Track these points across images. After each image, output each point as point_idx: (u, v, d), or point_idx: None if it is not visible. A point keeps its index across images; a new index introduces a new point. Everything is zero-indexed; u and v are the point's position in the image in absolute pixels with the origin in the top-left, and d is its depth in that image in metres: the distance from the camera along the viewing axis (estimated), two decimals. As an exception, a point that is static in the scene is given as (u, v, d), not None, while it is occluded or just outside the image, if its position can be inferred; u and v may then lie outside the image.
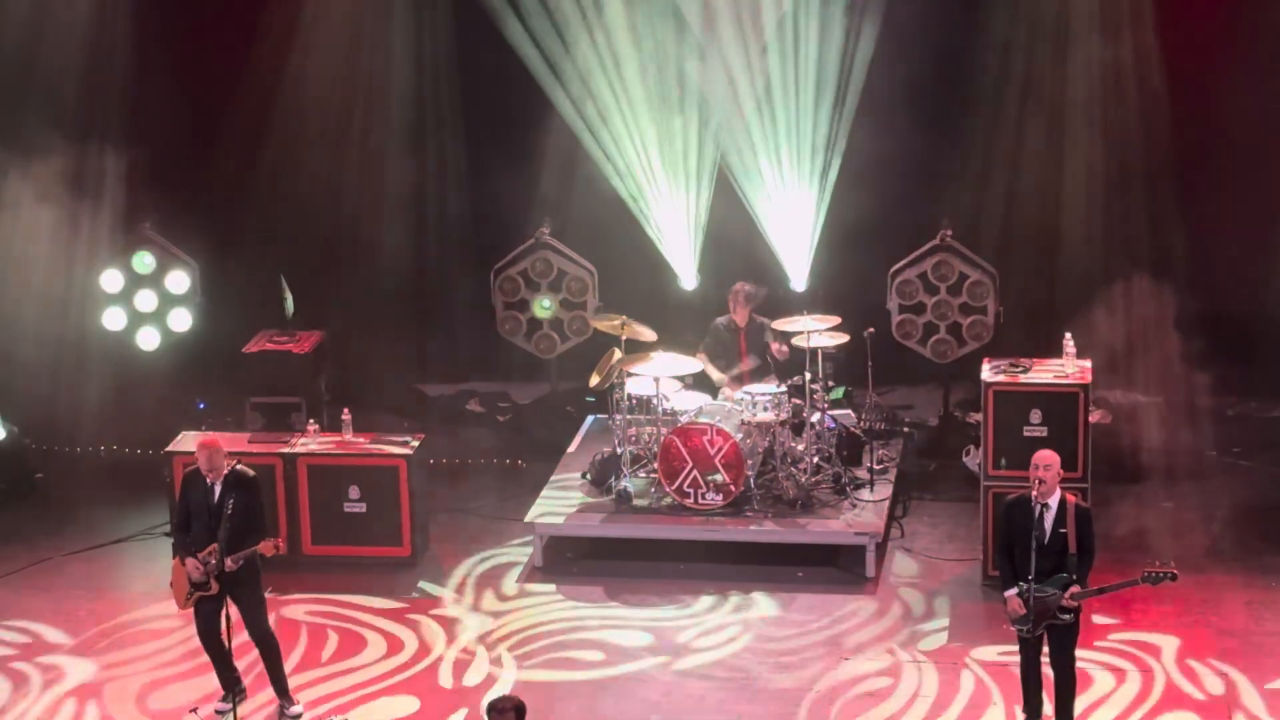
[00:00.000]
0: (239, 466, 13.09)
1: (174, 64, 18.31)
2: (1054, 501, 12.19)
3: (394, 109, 18.69)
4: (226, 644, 13.00)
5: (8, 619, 14.91)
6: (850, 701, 13.38)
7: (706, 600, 14.95)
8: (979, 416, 15.57)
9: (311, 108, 18.53)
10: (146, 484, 16.70)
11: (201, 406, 18.00)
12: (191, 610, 13.11)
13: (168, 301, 18.36)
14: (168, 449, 15.88)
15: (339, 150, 18.61)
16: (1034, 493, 12.17)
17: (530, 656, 14.16)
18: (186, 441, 15.88)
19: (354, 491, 15.59)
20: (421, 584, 15.40)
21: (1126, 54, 17.60)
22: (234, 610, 12.82)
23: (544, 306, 18.28)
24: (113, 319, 18.35)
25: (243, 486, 12.98)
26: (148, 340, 18.39)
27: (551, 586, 15.33)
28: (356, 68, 18.53)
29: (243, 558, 12.76)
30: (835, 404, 16.66)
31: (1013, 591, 12.20)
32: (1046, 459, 12.26)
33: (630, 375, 16.02)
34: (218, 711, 13.21)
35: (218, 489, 12.93)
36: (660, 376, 15.92)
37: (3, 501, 17.19)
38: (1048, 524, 12.16)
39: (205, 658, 13.40)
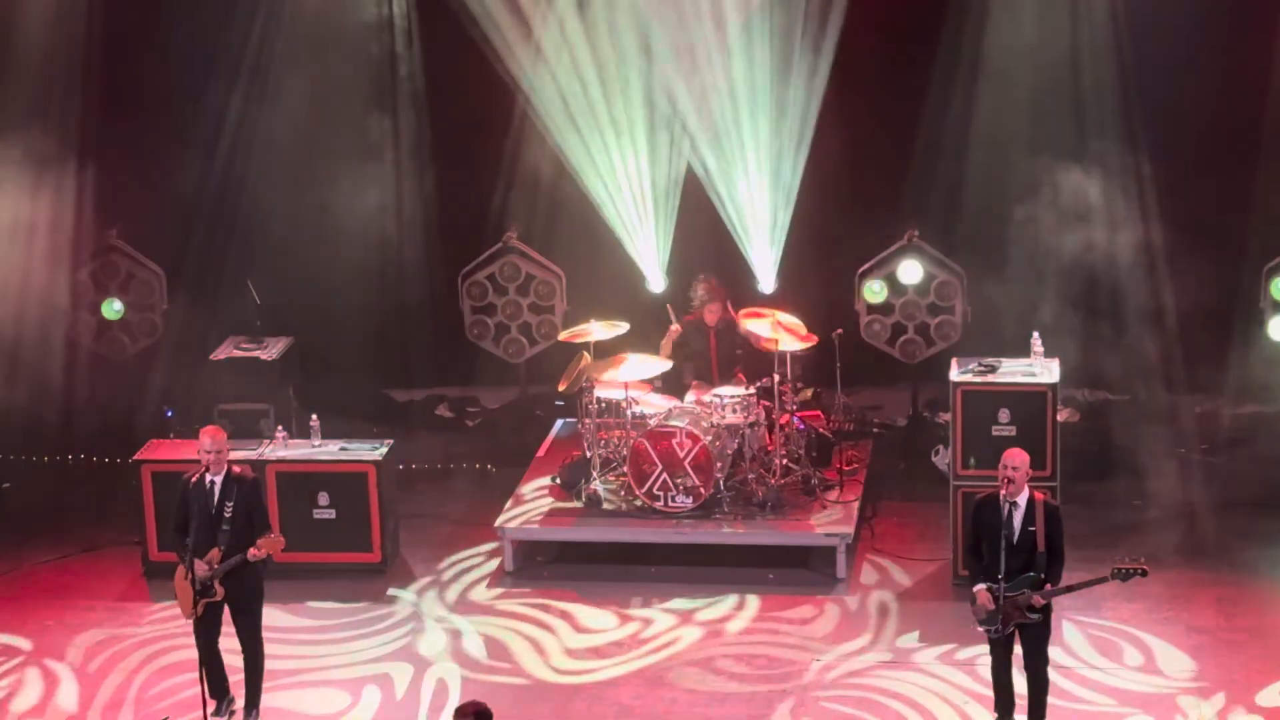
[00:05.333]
0: (236, 468, 13.04)
1: (140, 66, 18.24)
2: (1023, 500, 12.20)
3: (361, 113, 18.65)
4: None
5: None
6: (822, 702, 13.38)
7: (678, 603, 14.94)
8: (948, 416, 15.59)
9: (278, 113, 18.47)
10: (114, 492, 16.64)
11: (169, 414, 17.94)
12: (185, 618, 12.99)
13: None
14: (136, 457, 15.83)
15: (306, 155, 18.56)
16: (1003, 491, 12.18)
17: (500, 660, 14.14)
18: (154, 449, 15.85)
19: (323, 498, 15.56)
20: (391, 590, 15.37)
21: (1099, 39, 17.62)
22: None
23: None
24: (85, 327, 18.36)
25: (242, 487, 12.92)
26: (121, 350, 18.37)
27: (522, 590, 15.31)
28: (324, 70, 18.47)
29: (263, 549, 12.67)
30: (804, 405, 16.66)
31: (981, 586, 12.21)
32: (1015, 458, 12.27)
33: (599, 380, 16.00)
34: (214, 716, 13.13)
35: (217, 491, 12.85)
36: (629, 380, 15.91)
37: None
38: (1016, 522, 12.17)
39: (177, 667, 13.35)
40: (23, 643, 14.63)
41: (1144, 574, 12.23)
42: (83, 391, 18.33)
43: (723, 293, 16.80)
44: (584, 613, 14.88)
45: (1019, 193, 17.72)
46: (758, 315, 16.36)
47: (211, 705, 12.92)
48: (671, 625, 14.63)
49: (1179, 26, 17.36)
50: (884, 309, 17.90)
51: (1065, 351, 15.96)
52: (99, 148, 18.16)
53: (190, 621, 12.89)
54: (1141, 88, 17.61)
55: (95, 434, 18.14)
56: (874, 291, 17.84)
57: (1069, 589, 12.26)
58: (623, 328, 16.29)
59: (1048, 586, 12.11)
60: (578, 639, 14.47)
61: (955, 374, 15.21)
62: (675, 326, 16.65)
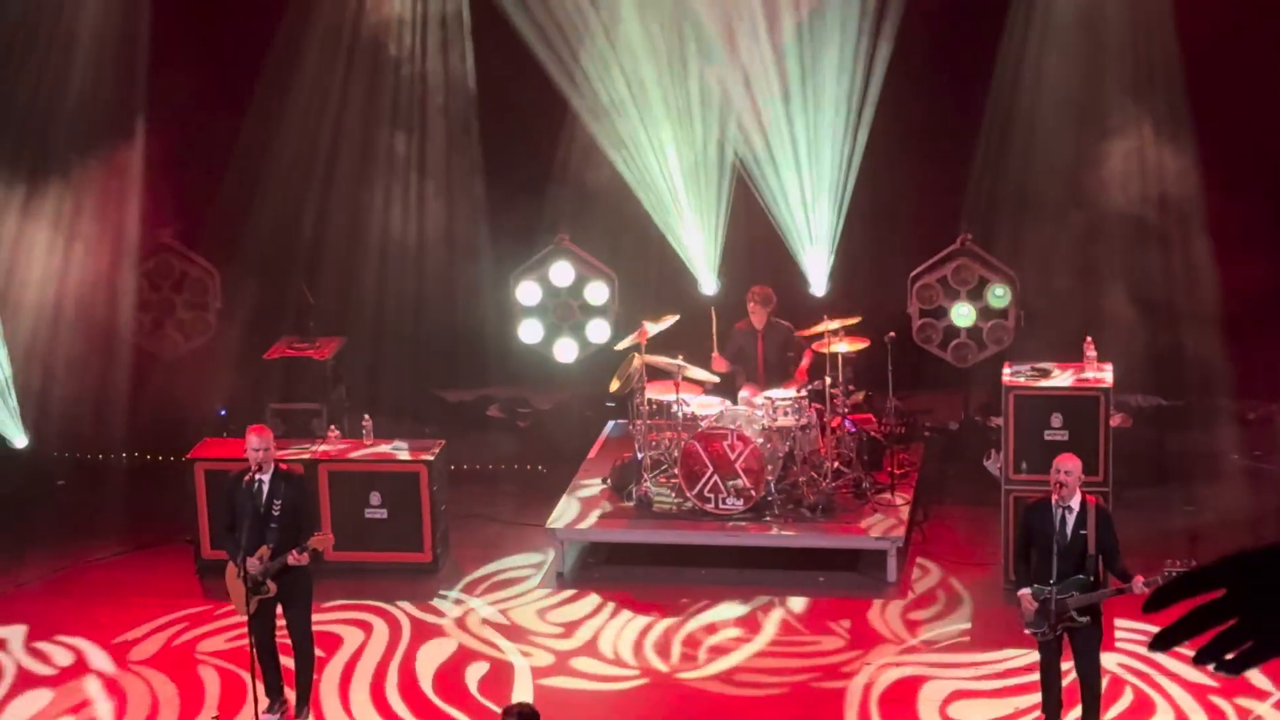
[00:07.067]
0: (284, 466, 13.10)
1: (194, 70, 18.32)
2: (1075, 504, 12.18)
3: (413, 118, 18.70)
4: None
5: (30, 627, 14.93)
6: (871, 706, 13.37)
7: (728, 605, 14.94)
8: (1000, 421, 15.55)
9: (332, 117, 18.54)
10: (168, 491, 16.73)
11: (222, 413, 18.03)
12: (239, 615, 13.05)
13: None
14: (189, 455, 15.91)
15: (360, 157, 18.62)
16: (1054, 496, 12.16)
17: (549, 662, 14.16)
18: (208, 448, 15.93)
19: (375, 498, 15.61)
20: (442, 590, 15.41)
21: (1155, 51, 17.54)
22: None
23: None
24: (139, 327, 18.45)
25: (291, 485, 12.98)
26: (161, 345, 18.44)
27: (572, 592, 15.34)
28: (376, 76, 18.53)
29: (307, 550, 12.73)
30: (856, 408, 16.63)
31: (1026, 590, 12.19)
32: (1068, 463, 12.25)
33: (650, 381, 16.02)
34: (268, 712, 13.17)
35: (265, 490, 12.90)
36: (680, 381, 15.92)
37: (25, 509, 17.23)
38: (1068, 527, 12.15)
39: (228, 664, 13.40)
40: (76, 640, 14.71)
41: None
42: (136, 390, 18.41)
43: (769, 297, 16.77)
44: (633, 614, 14.89)
45: (1074, 197, 17.67)
46: (812, 320, 16.37)
47: (264, 703, 12.97)
48: (721, 627, 14.63)
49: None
50: (936, 313, 17.86)
51: (1118, 356, 15.91)
52: (153, 146, 18.24)
53: (244, 619, 12.94)
54: (1204, 90, 17.51)
55: (148, 432, 18.22)
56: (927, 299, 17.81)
57: (1119, 591, 12.21)
58: (672, 319, 16.25)
59: (1142, 578, 11.96)
60: (627, 640, 14.48)
61: (1007, 378, 15.17)
62: (716, 357, 16.64)
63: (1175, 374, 17.74)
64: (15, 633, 14.81)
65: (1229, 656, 3.56)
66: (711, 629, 14.59)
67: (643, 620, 14.79)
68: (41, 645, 14.61)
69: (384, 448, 15.85)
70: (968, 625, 14.54)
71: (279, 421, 17.06)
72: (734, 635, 14.49)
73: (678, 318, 16.34)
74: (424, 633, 14.64)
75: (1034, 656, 12.79)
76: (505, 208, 18.89)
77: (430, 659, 14.20)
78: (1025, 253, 17.88)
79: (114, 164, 18.12)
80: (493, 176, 18.92)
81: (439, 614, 14.96)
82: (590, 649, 14.36)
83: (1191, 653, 3.63)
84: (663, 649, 14.31)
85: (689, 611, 14.86)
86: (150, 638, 14.70)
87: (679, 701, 13.54)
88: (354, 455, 15.75)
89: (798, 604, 14.96)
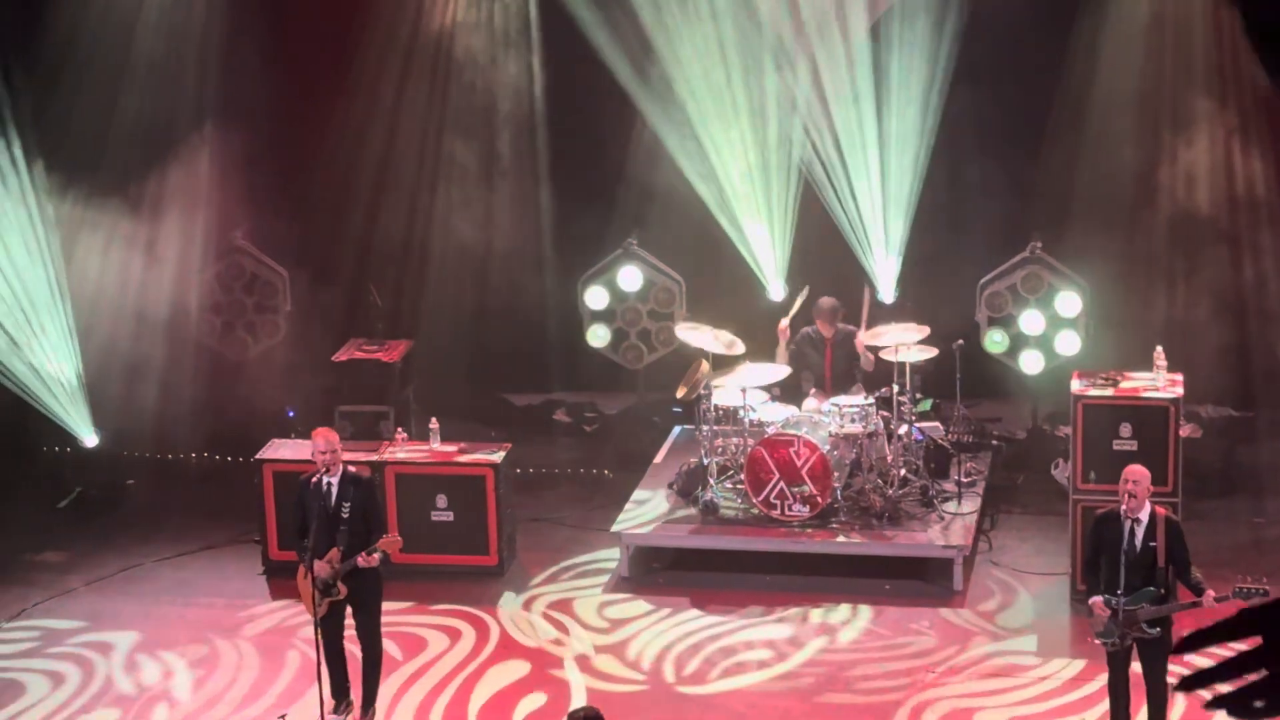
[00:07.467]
0: (352, 469, 13.14)
1: (263, 74, 18.41)
2: (1144, 515, 12.11)
3: (481, 123, 18.74)
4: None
5: (98, 625, 15.05)
6: (937, 715, 13.32)
7: (793, 612, 14.91)
8: (1068, 430, 15.46)
9: (401, 121, 18.62)
10: (236, 491, 16.82)
11: (291, 414, 18.11)
12: (310, 617, 13.07)
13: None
14: (257, 456, 15.99)
15: (430, 160, 18.68)
16: (1124, 507, 12.08)
17: (611, 667, 14.17)
18: (275, 449, 16.01)
19: (441, 500, 15.65)
20: (507, 593, 15.43)
21: (1228, 48, 17.41)
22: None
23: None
24: (209, 328, 18.56)
25: (359, 487, 13.02)
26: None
27: (637, 597, 15.34)
28: (445, 81, 18.59)
29: (376, 551, 12.77)
30: (923, 416, 16.59)
31: (1099, 599, 12.12)
32: (1136, 473, 12.17)
33: (717, 386, 16.01)
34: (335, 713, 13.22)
35: (334, 492, 12.94)
36: (747, 387, 15.90)
37: (94, 508, 17.37)
38: (1138, 538, 12.07)
39: (293, 664, 13.44)
40: (142, 639, 14.80)
41: (1265, 594, 12.08)
42: (205, 391, 18.51)
43: (835, 309, 16.73)
44: (698, 619, 14.88)
45: (1146, 201, 17.57)
46: (880, 327, 16.34)
47: (330, 704, 13.01)
48: (785, 635, 14.61)
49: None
50: (1005, 321, 17.79)
51: (1189, 366, 15.80)
52: (223, 149, 18.33)
53: (312, 620, 12.99)
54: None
55: (217, 433, 18.33)
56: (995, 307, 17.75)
57: (1191, 605, 12.13)
58: (739, 348, 16.22)
59: (1212, 593, 11.89)
60: (690, 646, 14.47)
61: (1076, 387, 15.09)
62: (784, 323, 16.60)
63: (1246, 384, 17.61)
64: (80, 628, 14.93)
65: (1257, 705, 3.52)
66: (773, 637, 14.55)
67: (686, 627, 14.74)
68: (104, 639, 14.72)
69: (451, 450, 15.88)
70: (1034, 635, 14.46)
71: (347, 423, 17.12)
72: (796, 642, 14.43)
73: (743, 349, 16.24)
74: (494, 653, 14.65)
75: (1101, 663, 12.73)
76: (573, 212, 18.92)
77: (492, 682, 14.06)
78: (1095, 259, 17.78)
79: (186, 166, 18.22)
80: (560, 181, 18.94)
81: (502, 619, 14.97)
82: (618, 650, 14.34)
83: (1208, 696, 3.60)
84: (683, 660, 14.21)
85: (752, 617, 14.83)
86: (215, 638, 14.78)
87: (741, 707, 13.49)
88: (421, 457, 15.80)
89: (862, 612, 14.91)
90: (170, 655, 14.46)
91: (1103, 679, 12.68)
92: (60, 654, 14.58)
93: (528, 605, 15.17)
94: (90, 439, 17.22)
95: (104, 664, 14.38)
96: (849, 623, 14.77)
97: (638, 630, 14.72)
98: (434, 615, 14.99)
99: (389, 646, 13.83)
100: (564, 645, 14.41)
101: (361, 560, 12.72)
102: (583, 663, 14.17)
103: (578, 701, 13.40)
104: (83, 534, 16.81)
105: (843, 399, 16.08)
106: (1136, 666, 12.29)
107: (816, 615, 14.86)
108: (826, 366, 16.75)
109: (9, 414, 16.99)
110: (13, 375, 16.72)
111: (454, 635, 14.70)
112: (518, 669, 14.16)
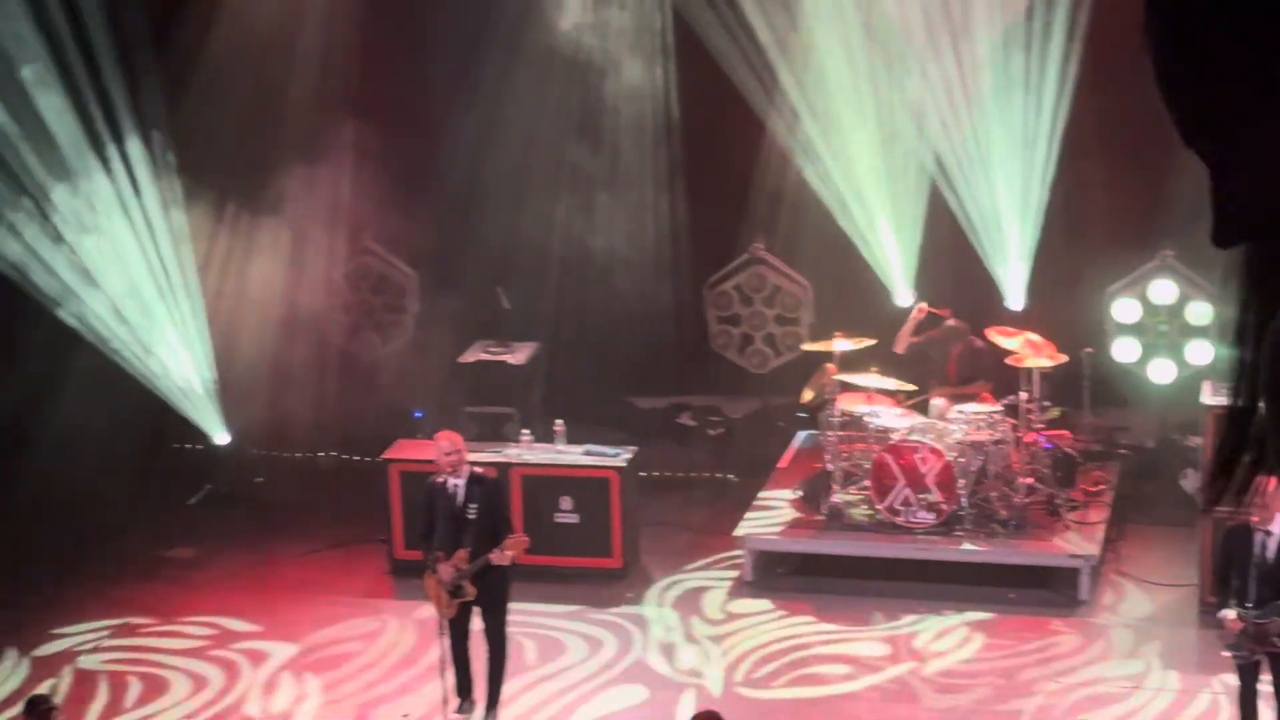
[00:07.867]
0: (478, 469, 13.20)
1: (399, 76, 18.53)
2: (1275, 527, 11.96)
3: (611, 129, 18.76)
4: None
5: (225, 620, 15.20)
6: (1061, 726, 13.25)
7: (917, 620, 14.84)
8: (1198, 440, 15.29)
9: (533, 128, 18.68)
10: (364, 491, 16.94)
11: (418, 415, 18.22)
12: (440, 617, 13.14)
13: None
14: (384, 456, 16.10)
15: (556, 168, 18.73)
16: (1254, 519, 11.94)
17: (736, 672, 14.15)
18: (402, 449, 16.10)
19: (566, 502, 15.69)
20: (631, 595, 15.46)
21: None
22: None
23: None
24: (339, 328, 18.72)
25: (485, 488, 13.08)
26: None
27: (761, 602, 15.31)
28: (576, 87, 18.64)
29: (509, 549, 12.81)
30: (1051, 424, 16.45)
31: (1230, 612, 11.99)
32: (1266, 485, 11.99)
33: (844, 391, 15.96)
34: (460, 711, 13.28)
35: (460, 494, 13.00)
36: (874, 393, 15.84)
37: (224, 504, 17.56)
38: (1269, 551, 11.93)
39: (416, 663, 13.52)
40: (268, 635, 14.95)
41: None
42: (334, 391, 18.66)
43: (964, 330, 16.61)
44: (822, 625, 14.85)
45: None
46: (1008, 334, 16.21)
47: (453, 703, 13.08)
48: (910, 641, 14.54)
49: None
50: (1135, 329, 17.61)
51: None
52: (356, 150, 18.47)
53: (438, 619, 13.06)
54: None
55: (345, 433, 18.47)
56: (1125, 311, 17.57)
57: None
58: (868, 342, 16.17)
59: None
60: (815, 651, 14.44)
61: (1208, 397, 14.91)
62: (921, 306, 16.49)
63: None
64: (207, 624, 15.11)
65: None
66: (898, 643, 14.49)
67: (829, 630, 14.72)
68: (233, 628, 14.89)
69: (576, 452, 15.92)
70: (1160, 647, 14.31)
71: (472, 424, 17.19)
72: (920, 649, 14.37)
73: (874, 342, 16.18)
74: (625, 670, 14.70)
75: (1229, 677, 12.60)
76: (700, 217, 18.90)
77: (608, 702, 14.04)
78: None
79: (319, 168, 18.36)
80: (688, 186, 18.93)
81: (629, 626, 15.01)
82: (776, 659, 14.31)
83: None
84: (847, 661, 14.21)
85: (877, 624, 14.77)
86: (341, 635, 14.89)
87: (865, 714, 13.44)
88: (546, 459, 15.84)
89: (987, 620, 14.82)
90: (309, 675, 14.59)
91: (1228, 693, 12.55)
92: (218, 657, 14.70)
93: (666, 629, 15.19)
94: (222, 437, 17.42)
95: (249, 674, 14.50)
96: (973, 631, 14.67)
97: (758, 633, 14.72)
98: (577, 621, 15.02)
99: (526, 647, 13.89)
100: (702, 677, 14.26)
101: (494, 557, 12.76)
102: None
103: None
104: (211, 530, 16.98)
105: (970, 406, 15.97)
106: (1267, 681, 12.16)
107: (939, 623, 14.77)
108: (950, 373, 16.59)
109: (142, 412, 17.19)
110: (146, 373, 16.95)
111: (594, 645, 14.75)
112: (635, 693, 14.05)
